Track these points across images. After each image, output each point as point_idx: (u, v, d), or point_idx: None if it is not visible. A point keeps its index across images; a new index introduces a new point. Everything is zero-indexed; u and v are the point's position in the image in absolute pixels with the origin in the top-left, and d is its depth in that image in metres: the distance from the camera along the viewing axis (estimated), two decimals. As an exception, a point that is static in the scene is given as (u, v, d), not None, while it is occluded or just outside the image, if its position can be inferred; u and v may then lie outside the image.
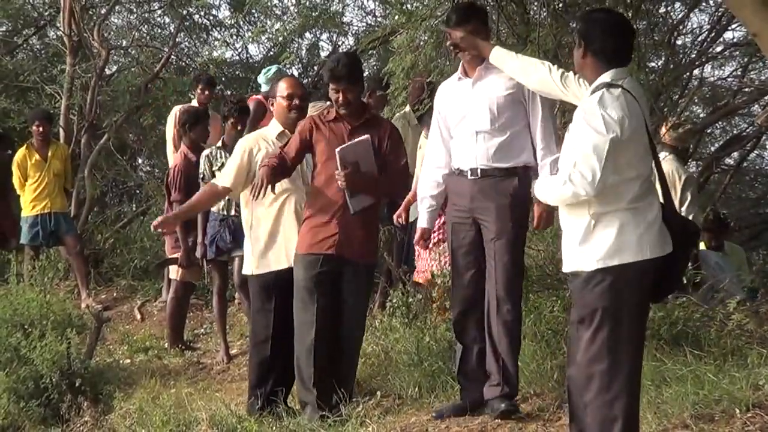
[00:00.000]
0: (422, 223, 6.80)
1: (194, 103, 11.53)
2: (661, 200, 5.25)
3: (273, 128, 7.39)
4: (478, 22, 6.54)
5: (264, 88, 10.24)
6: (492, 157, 6.34)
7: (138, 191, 16.09)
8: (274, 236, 7.17)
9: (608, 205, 5.10)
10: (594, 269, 5.11)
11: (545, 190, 5.45)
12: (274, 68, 10.80)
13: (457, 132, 6.55)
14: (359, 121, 6.92)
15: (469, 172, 6.43)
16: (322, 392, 6.69)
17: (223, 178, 7.44)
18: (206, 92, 11.55)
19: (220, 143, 9.14)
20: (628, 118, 5.04)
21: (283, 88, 7.38)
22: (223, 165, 8.88)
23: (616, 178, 5.07)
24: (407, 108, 9.57)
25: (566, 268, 5.32)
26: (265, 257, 7.21)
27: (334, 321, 6.81)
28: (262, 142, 7.33)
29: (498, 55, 6.27)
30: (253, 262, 7.24)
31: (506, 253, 6.35)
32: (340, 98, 6.83)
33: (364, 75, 7.56)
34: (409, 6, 10.11)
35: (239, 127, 9.13)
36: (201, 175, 8.99)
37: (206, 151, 9.10)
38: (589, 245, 5.15)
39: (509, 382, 6.38)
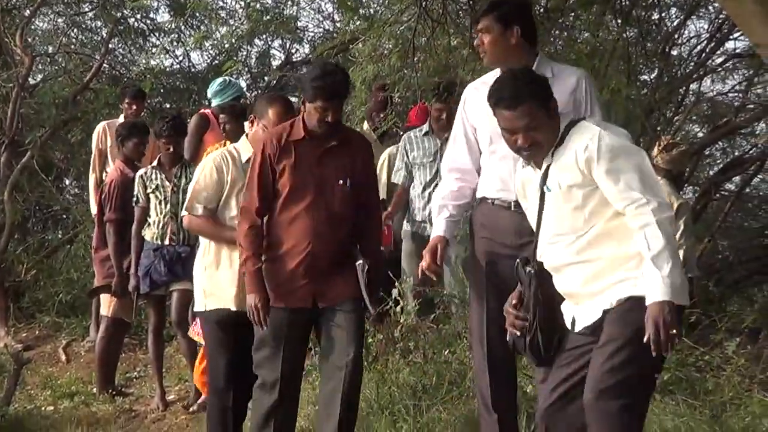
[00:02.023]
0: (439, 231, 6.08)
1: (122, 118, 11.47)
2: None
3: (244, 151, 6.87)
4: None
5: (214, 101, 10.16)
6: None
7: (65, 216, 15.96)
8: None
9: None
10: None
11: (653, 242, 4.83)
12: (219, 80, 10.69)
13: (496, 152, 5.96)
14: (333, 140, 6.37)
15: (514, 205, 5.86)
16: None
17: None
18: (134, 107, 11.47)
19: (156, 163, 9.14)
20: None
21: (271, 113, 6.83)
22: (158, 187, 8.87)
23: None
24: (365, 125, 9.60)
25: (604, 305, 4.95)
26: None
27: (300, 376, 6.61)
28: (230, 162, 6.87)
29: None
30: (208, 294, 6.82)
31: None
32: (329, 117, 6.24)
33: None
34: (371, 11, 10.16)
35: (169, 148, 9.06)
36: (134, 198, 8.98)
37: (141, 171, 9.11)
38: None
39: None
